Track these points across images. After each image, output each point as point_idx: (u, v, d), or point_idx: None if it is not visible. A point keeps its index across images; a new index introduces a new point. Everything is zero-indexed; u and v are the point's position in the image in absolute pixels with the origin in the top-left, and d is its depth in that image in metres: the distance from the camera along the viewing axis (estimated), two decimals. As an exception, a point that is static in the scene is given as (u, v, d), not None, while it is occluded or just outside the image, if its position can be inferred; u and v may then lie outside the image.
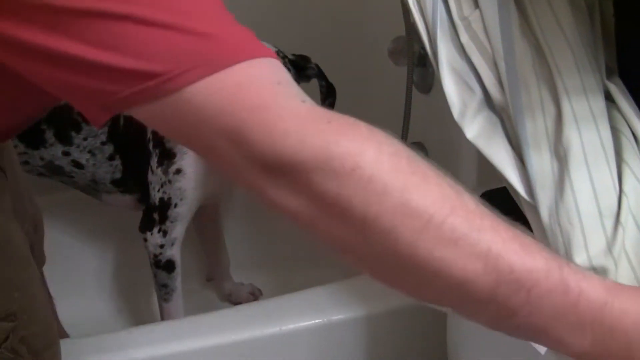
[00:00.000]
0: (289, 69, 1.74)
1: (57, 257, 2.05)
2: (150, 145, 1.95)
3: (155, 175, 1.96)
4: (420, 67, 2.16)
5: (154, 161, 1.95)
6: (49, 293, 2.03)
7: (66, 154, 2.03)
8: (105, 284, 2.57)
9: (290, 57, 1.87)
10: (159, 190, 1.97)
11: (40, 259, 1.96)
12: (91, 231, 2.49)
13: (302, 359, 1.90)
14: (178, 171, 1.94)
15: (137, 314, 2.39)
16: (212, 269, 2.45)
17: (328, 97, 1.94)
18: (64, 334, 2.09)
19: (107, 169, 2.05)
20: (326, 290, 1.93)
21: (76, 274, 2.32)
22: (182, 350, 1.83)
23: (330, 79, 2.54)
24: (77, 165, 2.05)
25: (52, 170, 2.07)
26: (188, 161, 1.94)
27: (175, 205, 1.96)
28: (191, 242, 2.25)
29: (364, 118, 2.60)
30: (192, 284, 2.37)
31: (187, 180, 1.94)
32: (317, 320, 1.86)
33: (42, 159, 2.03)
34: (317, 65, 1.92)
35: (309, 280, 2.00)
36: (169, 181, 1.94)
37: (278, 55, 1.79)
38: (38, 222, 1.84)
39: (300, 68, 1.87)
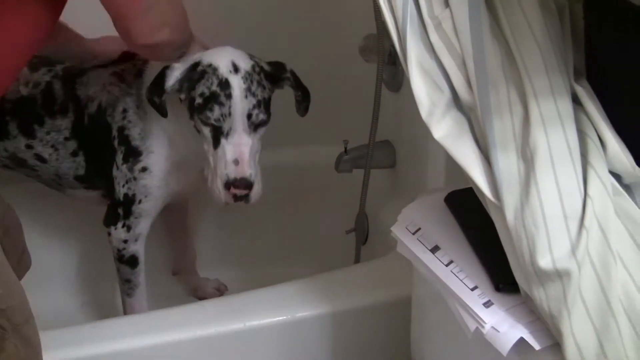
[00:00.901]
0: (262, 80, 1.76)
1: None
2: (116, 143, 1.93)
3: (120, 172, 1.95)
4: (391, 66, 2.16)
5: (119, 158, 1.94)
6: None
7: (29, 147, 2.01)
8: (70, 277, 2.54)
9: (265, 67, 1.83)
10: (123, 186, 1.96)
11: (23, 264, 1.96)
12: (57, 223, 2.47)
13: (267, 355, 1.89)
14: (144, 169, 1.93)
15: (102, 308, 2.37)
16: (178, 263, 2.43)
17: (303, 102, 1.93)
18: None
19: (70, 165, 2.03)
20: (291, 287, 1.93)
21: (41, 267, 2.29)
22: (146, 344, 1.82)
23: (301, 74, 2.53)
24: (40, 159, 2.03)
25: (16, 163, 2.05)
26: (154, 159, 1.93)
27: (140, 202, 1.95)
28: (157, 236, 2.23)
29: (333, 114, 2.63)
30: (158, 277, 2.36)
31: (152, 178, 1.93)
32: (282, 317, 1.86)
33: (5, 150, 2.01)
34: (292, 73, 1.88)
35: (275, 277, 1.99)
36: (134, 178, 1.93)
37: (253, 66, 1.78)
38: (10, 224, 1.84)
39: (276, 78, 1.85)
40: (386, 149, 2.31)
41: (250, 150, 1.73)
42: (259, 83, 1.75)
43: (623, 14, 1.13)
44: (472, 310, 1.16)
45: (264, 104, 1.76)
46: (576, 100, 1.18)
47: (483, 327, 1.14)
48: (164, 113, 1.79)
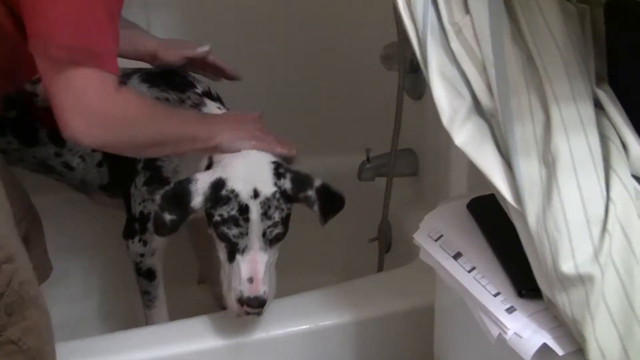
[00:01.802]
0: (281, 204, 1.73)
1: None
2: (139, 166, 1.94)
3: (138, 191, 1.96)
4: (412, 73, 2.16)
5: (140, 179, 1.95)
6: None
7: (58, 155, 2.04)
8: (94, 287, 2.56)
9: (288, 187, 1.76)
10: (140, 204, 1.97)
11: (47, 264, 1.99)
12: (83, 233, 2.48)
13: (289, 363, 1.90)
14: None
15: (126, 319, 2.37)
16: (203, 272, 2.44)
17: (326, 216, 1.84)
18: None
19: (96, 174, 2.06)
20: (314, 296, 1.93)
21: (66, 277, 2.31)
22: (169, 354, 1.82)
23: (323, 84, 2.54)
24: (68, 167, 2.06)
25: (45, 168, 2.09)
26: None
27: None
28: (183, 244, 2.24)
29: (355, 122, 2.63)
30: (183, 285, 2.37)
31: None
32: (305, 326, 1.86)
33: (34, 157, 2.04)
34: (319, 189, 1.80)
35: (298, 286, 1.99)
36: (152, 200, 1.93)
37: (274, 193, 1.72)
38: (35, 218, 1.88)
39: (295, 198, 1.77)
40: (409, 157, 2.31)
41: (266, 266, 1.71)
42: (277, 207, 1.72)
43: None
44: (495, 317, 1.16)
45: (282, 222, 1.74)
46: (598, 105, 1.17)
47: (506, 333, 1.14)
48: (168, 233, 1.75)
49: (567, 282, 1.04)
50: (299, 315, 1.88)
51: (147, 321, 2.12)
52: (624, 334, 1.02)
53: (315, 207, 1.79)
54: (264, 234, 1.70)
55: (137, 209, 1.98)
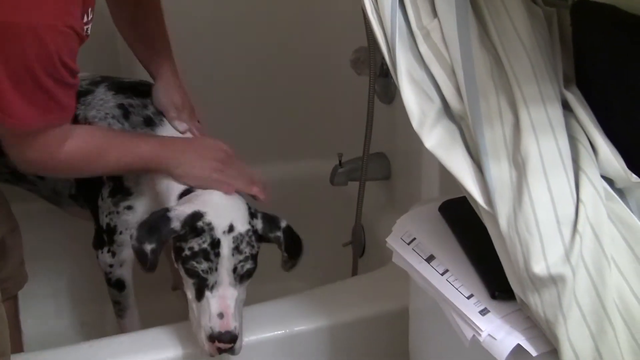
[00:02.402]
0: (252, 241, 1.74)
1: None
2: (104, 177, 1.94)
3: (105, 203, 1.96)
4: (383, 78, 2.16)
5: (105, 190, 1.95)
6: (16, 307, 2.05)
7: None
8: (69, 296, 2.55)
9: (259, 226, 1.77)
10: (106, 216, 1.97)
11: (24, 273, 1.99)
12: (57, 242, 2.48)
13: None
14: (129, 207, 1.93)
15: (101, 328, 2.37)
16: (177, 278, 2.43)
17: (290, 261, 1.85)
18: (20, 348, 2.08)
19: (65, 184, 2.05)
20: (288, 302, 1.93)
21: (40, 286, 2.29)
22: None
23: (294, 89, 2.54)
24: (40, 177, 2.05)
25: (16, 178, 2.07)
26: (142, 201, 1.92)
27: (121, 233, 1.95)
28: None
29: (327, 127, 2.63)
30: (158, 292, 2.36)
31: (135, 215, 1.92)
32: (279, 332, 1.86)
33: (6, 166, 2.02)
34: (285, 230, 1.81)
35: (272, 292, 1.99)
36: (117, 212, 1.93)
37: (248, 231, 1.72)
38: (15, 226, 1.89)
39: (266, 238, 1.78)
40: (381, 160, 2.31)
41: (236, 302, 1.70)
42: (248, 243, 1.73)
43: (611, 21, 1.14)
44: (469, 319, 1.16)
45: (252, 258, 1.74)
46: (566, 107, 1.18)
47: (480, 334, 1.14)
48: (153, 267, 1.73)
49: (539, 283, 1.05)
50: (273, 321, 1.87)
51: (120, 330, 2.10)
52: (596, 333, 1.03)
53: (284, 248, 1.80)
54: (234, 269, 1.69)
55: (104, 220, 1.97)
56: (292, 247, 1.83)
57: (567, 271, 1.03)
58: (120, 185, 1.92)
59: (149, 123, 1.92)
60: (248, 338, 1.77)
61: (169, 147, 1.83)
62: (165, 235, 1.70)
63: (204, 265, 1.68)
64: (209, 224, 1.70)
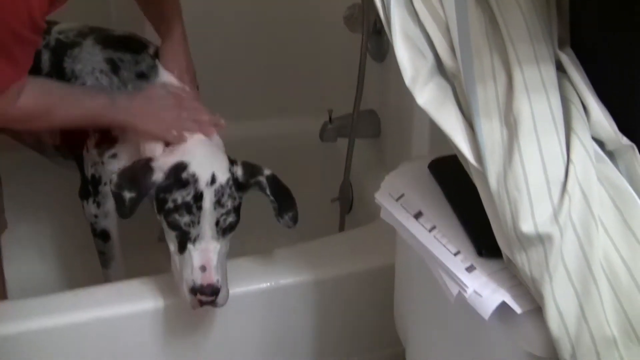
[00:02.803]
0: (233, 192, 1.72)
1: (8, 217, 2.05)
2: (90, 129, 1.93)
3: (90, 154, 1.95)
4: (375, 35, 2.16)
5: (90, 142, 1.94)
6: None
7: None
8: (55, 245, 2.55)
9: (240, 174, 1.76)
10: (91, 167, 1.96)
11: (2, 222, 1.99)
12: (44, 192, 2.47)
13: (250, 321, 1.90)
14: (114, 155, 1.92)
15: (84, 276, 2.37)
16: (162, 230, 2.43)
17: (283, 212, 1.81)
18: (4, 295, 2.08)
19: (49, 135, 2.04)
20: (275, 255, 1.93)
21: (26, 235, 2.29)
22: (127, 312, 1.83)
23: (286, 45, 2.52)
24: None
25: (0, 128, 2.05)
26: (127, 148, 1.91)
27: (106, 184, 1.93)
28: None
29: (317, 84, 2.62)
30: (143, 244, 2.36)
31: (119, 164, 1.89)
32: (265, 284, 1.87)
33: None
34: (269, 179, 1.79)
35: (259, 246, 2.00)
36: (102, 162, 1.92)
37: (228, 180, 1.71)
38: None
39: (246, 185, 1.76)
40: (371, 118, 2.31)
41: (218, 255, 1.70)
42: (230, 195, 1.72)
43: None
44: (455, 275, 1.17)
45: (234, 210, 1.73)
46: (560, 68, 1.18)
47: (465, 291, 1.15)
48: (130, 213, 1.73)
49: (527, 241, 1.06)
50: (259, 274, 1.88)
51: (105, 279, 2.11)
52: (581, 293, 1.04)
53: (268, 192, 1.77)
54: (217, 223, 1.69)
55: (88, 171, 1.97)
56: (282, 198, 1.81)
57: (555, 231, 1.04)
58: (106, 135, 1.91)
59: (143, 76, 1.90)
60: (233, 290, 1.78)
61: (118, 104, 1.78)
62: (147, 188, 1.70)
63: (187, 219, 1.68)
64: (194, 175, 1.69)
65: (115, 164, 1.90)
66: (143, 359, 1.88)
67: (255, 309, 1.89)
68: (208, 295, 1.68)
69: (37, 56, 1.91)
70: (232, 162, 1.76)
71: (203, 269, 1.67)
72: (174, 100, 1.83)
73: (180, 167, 1.71)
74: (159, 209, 1.73)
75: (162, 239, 2.40)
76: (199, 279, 1.67)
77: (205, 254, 1.69)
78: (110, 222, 2.04)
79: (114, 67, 1.90)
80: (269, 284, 1.86)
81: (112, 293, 1.88)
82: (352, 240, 2.03)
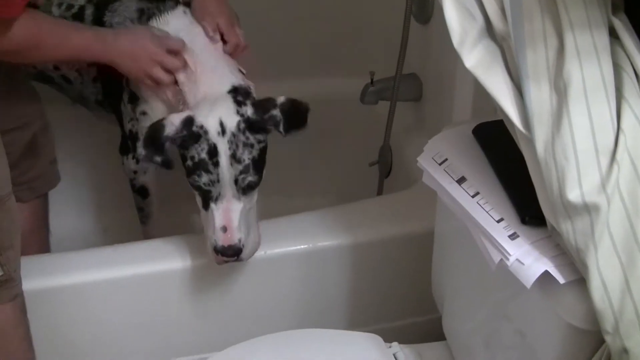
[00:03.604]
0: (248, 138, 1.68)
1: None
2: (124, 81, 1.93)
3: (126, 108, 1.95)
4: (421, -3, 2.13)
5: (125, 96, 1.94)
6: (45, 206, 2.06)
7: (56, 68, 2.03)
8: (95, 201, 2.57)
9: (251, 113, 1.71)
10: (129, 122, 1.96)
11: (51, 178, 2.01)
12: (86, 147, 2.49)
13: (286, 282, 1.91)
14: (143, 113, 1.92)
15: (123, 233, 2.38)
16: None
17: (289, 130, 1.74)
18: (47, 248, 2.10)
19: (92, 90, 2.04)
20: (312, 217, 1.93)
21: (66, 189, 2.30)
22: (163, 269, 1.84)
23: (330, 7, 2.49)
24: (66, 80, 2.05)
25: (44, 79, 2.08)
26: (151, 105, 1.90)
27: None
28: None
29: (360, 46, 2.60)
30: (182, 201, 2.36)
31: (151, 121, 1.85)
32: (302, 246, 1.86)
33: (34, 67, 2.03)
34: (283, 106, 1.72)
35: (296, 207, 1.99)
36: (137, 119, 1.93)
37: (239, 123, 1.67)
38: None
39: (262, 125, 1.70)
40: (413, 81, 2.29)
41: (240, 214, 1.68)
42: (245, 144, 1.68)
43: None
44: (497, 242, 1.15)
45: (254, 165, 1.69)
46: (613, 34, 1.15)
47: (508, 259, 1.13)
48: (170, 165, 1.73)
49: (573, 210, 1.03)
50: (296, 235, 1.88)
51: (143, 236, 2.12)
52: (626, 264, 1.02)
53: (281, 128, 1.71)
54: (236, 182, 1.67)
55: (127, 126, 1.97)
56: (295, 118, 1.74)
57: (602, 200, 1.02)
58: (134, 92, 1.91)
59: (151, 16, 1.88)
60: (272, 251, 1.78)
61: (103, 40, 1.76)
62: (164, 142, 1.68)
63: (205, 178, 1.66)
64: (202, 127, 1.67)
65: (147, 121, 1.90)
66: (177, 315, 1.89)
67: (291, 270, 1.89)
68: (229, 256, 1.68)
69: (81, 11, 1.91)
70: (240, 103, 1.72)
71: (224, 229, 1.67)
72: (156, 42, 1.79)
73: (189, 121, 1.68)
74: (184, 166, 1.72)
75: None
76: (220, 239, 1.67)
77: (226, 214, 1.68)
78: (149, 178, 2.05)
79: (141, 16, 1.88)
80: (306, 245, 1.86)
81: (149, 250, 1.89)
82: (390, 205, 2.02)
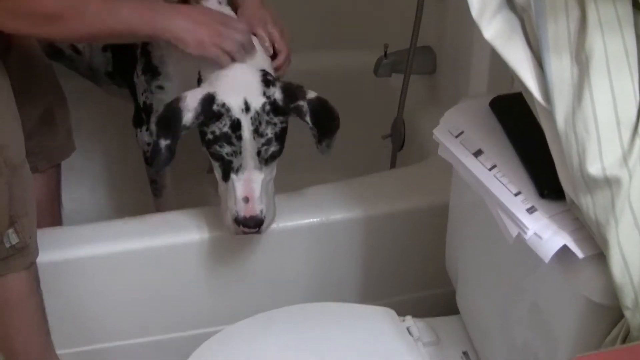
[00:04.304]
0: (272, 118, 1.65)
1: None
2: (138, 51, 1.90)
3: (140, 80, 1.93)
4: (436, -32, 2.11)
5: (139, 67, 1.92)
6: (58, 176, 2.06)
7: None
8: (107, 175, 2.57)
9: (278, 97, 1.67)
10: (142, 94, 1.95)
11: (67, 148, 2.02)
12: (98, 120, 2.48)
13: (299, 256, 1.90)
14: (160, 87, 1.90)
15: (136, 206, 2.38)
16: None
17: (322, 138, 1.73)
18: (59, 221, 2.10)
19: (102, 60, 2.04)
20: (325, 190, 1.92)
21: (79, 162, 2.30)
22: (175, 242, 1.83)
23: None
24: (75, 50, 2.05)
25: (54, 53, 2.06)
26: (171, 82, 1.89)
27: (158, 111, 1.90)
28: (193, 134, 2.23)
29: (374, 18, 2.58)
30: (194, 174, 2.36)
31: (168, 95, 1.86)
32: (315, 219, 1.85)
33: (44, 41, 2.01)
34: (311, 102, 1.69)
35: (310, 181, 1.98)
36: (151, 91, 1.91)
37: (264, 105, 1.64)
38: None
39: (286, 110, 1.68)
40: (427, 54, 2.27)
41: (261, 185, 1.67)
42: (268, 122, 1.66)
43: None
44: (515, 216, 1.14)
45: (276, 138, 1.67)
46: (636, 5, 1.13)
47: (525, 233, 1.12)
48: (170, 158, 1.67)
49: (593, 184, 1.02)
50: (309, 208, 1.87)
51: (155, 209, 2.11)
52: (647, 239, 1.00)
53: (307, 119, 1.69)
54: (258, 153, 1.66)
55: (140, 98, 1.96)
56: (324, 121, 1.73)
57: (624, 174, 1.00)
58: (149, 63, 1.90)
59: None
60: (285, 224, 1.77)
61: (155, 9, 1.65)
62: (179, 132, 1.65)
63: (228, 149, 1.65)
64: (224, 105, 1.64)
65: (163, 94, 1.90)
66: (190, 289, 1.89)
67: (304, 244, 1.88)
68: (251, 227, 1.67)
69: None
70: (268, 84, 1.68)
71: (246, 200, 1.66)
72: (217, 17, 1.73)
73: (209, 99, 1.65)
74: (202, 141, 1.70)
75: (211, 171, 2.41)
76: (242, 210, 1.66)
77: (248, 185, 1.67)
78: None
79: None
80: (319, 219, 1.85)
81: (161, 223, 1.88)
82: (403, 178, 2.01)
